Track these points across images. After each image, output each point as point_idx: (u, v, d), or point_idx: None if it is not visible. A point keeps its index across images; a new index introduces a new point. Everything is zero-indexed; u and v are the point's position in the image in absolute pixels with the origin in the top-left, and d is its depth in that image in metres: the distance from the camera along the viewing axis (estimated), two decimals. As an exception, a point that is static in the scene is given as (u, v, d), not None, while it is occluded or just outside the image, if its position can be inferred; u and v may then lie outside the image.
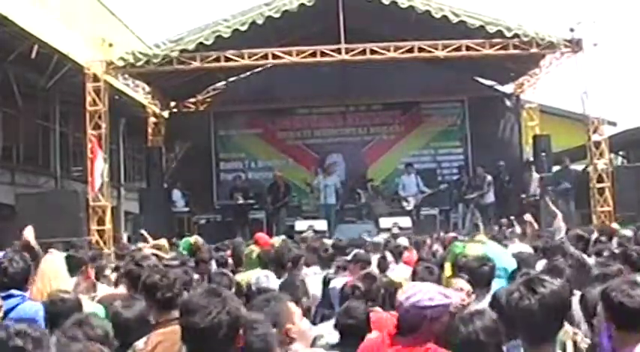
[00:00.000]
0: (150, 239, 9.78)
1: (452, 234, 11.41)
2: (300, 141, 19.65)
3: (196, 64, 14.96)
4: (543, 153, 17.28)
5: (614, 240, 8.75)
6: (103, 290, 5.67)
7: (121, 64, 14.93)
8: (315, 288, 5.96)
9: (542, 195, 15.82)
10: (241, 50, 15.02)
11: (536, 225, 9.05)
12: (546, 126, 19.43)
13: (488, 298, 4.69)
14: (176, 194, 17.40)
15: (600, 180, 15.23)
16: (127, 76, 16.54)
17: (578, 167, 18.56)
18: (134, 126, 21.99)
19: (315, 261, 7.59)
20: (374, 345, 3.59)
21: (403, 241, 10.00)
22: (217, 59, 14.96)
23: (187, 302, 2.58)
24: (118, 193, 22.65)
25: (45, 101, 18.68)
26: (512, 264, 5.56)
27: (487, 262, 5.03)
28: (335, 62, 15.43)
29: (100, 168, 14.44)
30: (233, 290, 5.15)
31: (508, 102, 19.74)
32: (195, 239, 10.64)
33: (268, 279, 4.95)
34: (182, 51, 14.73)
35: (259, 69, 18.38)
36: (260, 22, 14.75)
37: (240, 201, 16.97)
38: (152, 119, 19.22)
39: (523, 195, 16.88)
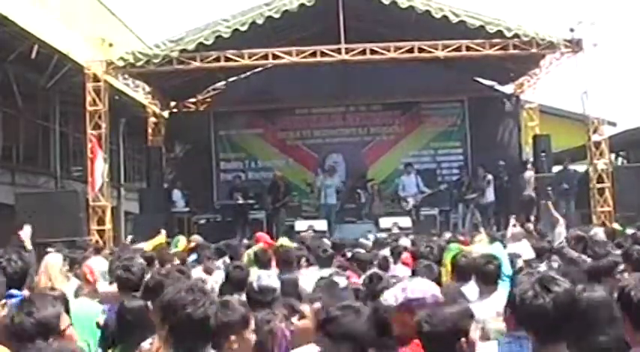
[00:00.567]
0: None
1: (448, 235, 11.36)
2: (300, 141, 19.64)
3: (196, 64, 14.96)
4: (543, 154, 17.28)
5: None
6: (103, 288, 5.66)
7: (121, 64, 14.93)
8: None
9: (539, 196, 15.86)
10: (241, 50, 15.02)
11: (531, 226, 9.06)
12: (546, 127, 19.43)
13: (493, 296, 4.70)
14: (176, 194, 17.40)
15: (600, 180, 15.23)
16: (127, 76, 16.53)
17: (578, 167, 18.56)
18: (134, 126, 22.00)
19: (314, 261, 7.58)
20: None
21: (403, 241, 10.01)
22: (217, 59, 14.96)
23: (177, 298, 2.73)
24: (118, 193, 22.66)
25: (45, 101, 18.70)
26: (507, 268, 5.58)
27: (493, 260, 5.03)
28: (335, 62, 15.43)
29: (100, 168, 14.45)
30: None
31: (508, 103, 19.73)
32: (193, 238, 10.68)
33: (270, 278, 4.94)
34: (182, 51, 14.73)
35: (259, 69, 18.38)
36: (260, 22, 14.75)
37: (240, 201, 16.97)
38: (152, 119, 19.22)
39: (531, 195, 16.89)
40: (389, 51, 15.12)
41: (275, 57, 15.19)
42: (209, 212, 17.91)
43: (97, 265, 5.48)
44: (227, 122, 19.66)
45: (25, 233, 6.74)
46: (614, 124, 23.04)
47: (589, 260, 6.37)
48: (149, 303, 4.06)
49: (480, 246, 6.88)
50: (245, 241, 11.46)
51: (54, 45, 15.37)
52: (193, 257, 8.75)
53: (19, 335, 2.78)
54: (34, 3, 16.62)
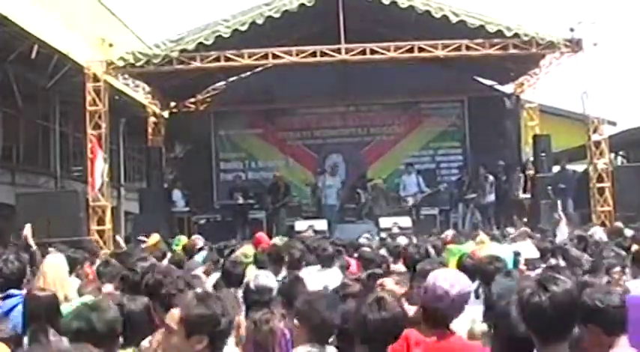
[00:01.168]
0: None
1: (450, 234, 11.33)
2: (300, 141, 19.65)
3: (196, 64, 14.96)
4: (543, 153, 17.27)
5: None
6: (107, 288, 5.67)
7: (121, 64, 14.92)
8: (316, 288, 5.95)
9: (533, 196, 15.92)
10: (241, 50, 15.02)
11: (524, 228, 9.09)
12: (546, 126, 19.41)
13: None
14: (176, 194, 17.41)
15: (600, 180, 15.23)
16: (127, 76, 16.53)
17: (577, 167, 18.57)
18: (134, 126, 21.99)
19: (315, 261, 7.58)
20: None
21: (402, 240, 10.02)
22: (217, 59, 14.96)
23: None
24: (118, 193, 22.65)
25: (45, 101, 18.69)
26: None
27: (497, 261, 5.04)
28: (335, 62, 15.43)
29: (100, 168, 14.44)
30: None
31: (508, 102, 19.73)
32: (195, 239, 10.70)
33: (267, 278, 4.95)
34: (182, 51, 14.72)
35: (259, 69, 18.38)
36: (260, 22, 14.75)
37: (240, 201, 16.98)
38: (152, 119, 19.19)
39: (522, 195, 16.89)
40: (389, 51, 15.12)
41: (275, 57, 15.19)
42: (209, 212, 17.92)
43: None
44: (227, 122, 19.66)
45: (28, 231, 6.74)
46: (614, 124, 23.04)
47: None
48: (149, 303, 4.06)
49: (486, 245, 6.91)
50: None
51: (54, 45, 15.36)
52: (198, 258, 8.74)
53: None
54: (34, 3, 16.62)
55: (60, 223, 12.77)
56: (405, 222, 15.41)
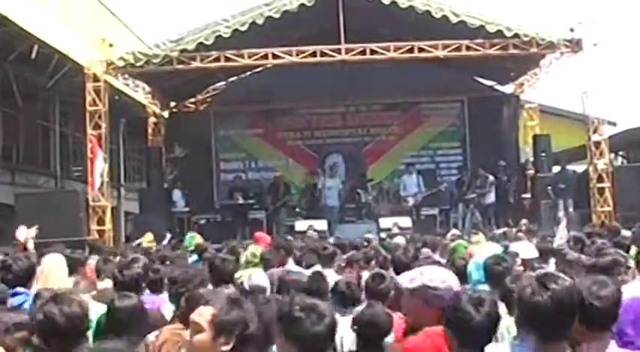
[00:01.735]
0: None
1: (453, 233, 11.34)
2: (300, 141, 19.65)
3: (196, 64, 14.96)
4: (543, 153, 17.29)
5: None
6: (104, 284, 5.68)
7: (121, 64, 14.93)
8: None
9: (533, 196, 15.93)
10: (241, 50, 15.02)
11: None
12: (546, 126, 19.43)
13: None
14: (176, 194, 17.42)
15: (600, 180, 15.23)
16: (127, 76, 16.54)
17: (577, 167, 18.56)
18: (134, 126, 21.99)
19: (315, 261, 7.57)
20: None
21: (400, 240, 10.01)
22: (217, 59, 14.96)
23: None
24: (118, 193, 22.64)
25: (45, 101, 18.68)
26: None
27: (502, 262, 5.03)
28: (335, 62, 15.43)
29: (100, 168, 14.45)
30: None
31: (508, 102, 19.72)
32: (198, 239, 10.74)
33: (261, 277, 4.98)
34: (182, 51, 14.73)
35: (259, 69, 18.39)
36: (260, 22, 14.75)
37: (240, 201, 16.98)
38: (152, 119, 19.21)
39: (524, 195, 16.88)
40: (389, 51, 15.12)
41: (275, 57, 15.19)
42: (209, 212, 17.92)
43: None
44: (227, 122, 19.66)
45: (21, 233, 6.74)
46: (614, 124, 23.04)
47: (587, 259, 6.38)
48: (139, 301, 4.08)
49: (489, 245, 6.90)
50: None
51: (54, 45, 15.36)
52: (194, 257, 8.76)
53: None
54: (34, 3, 16.62)
55: (60, 223, 12.76)
56: (405, 222, 15.41)
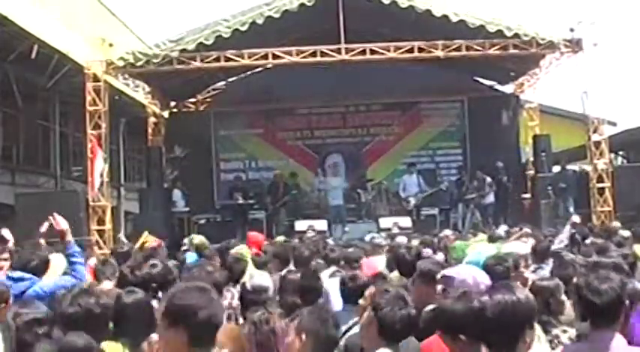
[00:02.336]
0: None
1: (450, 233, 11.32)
2: (300, 141, 19.66)
3: (196, 64, 14.95)
4: (543, 153, 17.28)
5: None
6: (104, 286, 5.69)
7: (121, 64, 14.92)
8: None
9: (534, 196, 15.93)
10: (241, 50, 15.01)
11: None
12: (546, 126, 19.42)
13: None
14: (176, 194, 17.41)
15: (600, 180, 15.23)
16: (127, 76, 16.53)
17: (577, 167, 18.58)
18: (134, 126, 21.99)
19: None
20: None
21: (401, 240, 10.00)
22: (217, 59, 14.96)
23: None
24: (118, 193, 22.64)
25: (45, 101, 18.68)
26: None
27: (503, 262, 5.03)
28: (335, 62, 15.41)
29: (99, 168, 14.44)
30: None
31: (508, 103, 19.71)
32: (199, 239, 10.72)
33: (263, 277, 4.98)
34: (182, 51, 14.72)
35: (259, 69, 18.39)
36: (260, 22, 14.74)
37: (240, 201, 16.98)
38: (152, 119, 19.20)
39: (524, 195, 16.87)
40: (389, 51, 15.12)
41: (275, 57, 15.19)
42: (209, 212, 17.92)
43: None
44: (227, 122, 19.66)
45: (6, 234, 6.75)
46: (614, 124, 23.07)
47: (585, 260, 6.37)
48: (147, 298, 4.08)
49: (487, 245, 6.88)
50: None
51: (54, 45, 15.35)
52: (193, 257, 8.76)
53: None
54: (34, 3, 16.62)
55: (60, 223, 12.75)
56: (405, 222, 15.42)
